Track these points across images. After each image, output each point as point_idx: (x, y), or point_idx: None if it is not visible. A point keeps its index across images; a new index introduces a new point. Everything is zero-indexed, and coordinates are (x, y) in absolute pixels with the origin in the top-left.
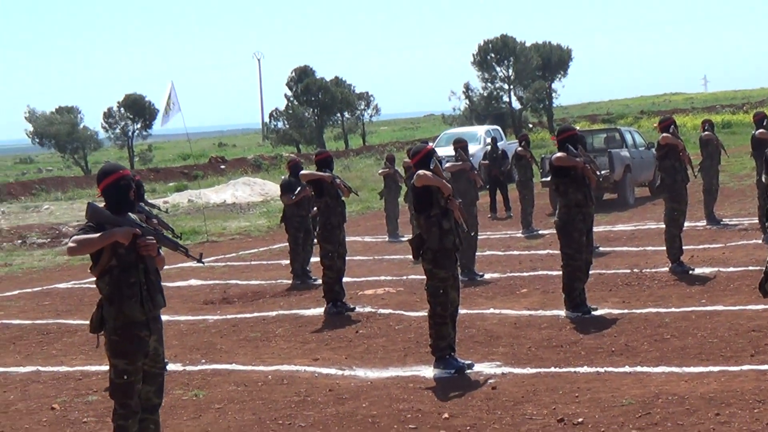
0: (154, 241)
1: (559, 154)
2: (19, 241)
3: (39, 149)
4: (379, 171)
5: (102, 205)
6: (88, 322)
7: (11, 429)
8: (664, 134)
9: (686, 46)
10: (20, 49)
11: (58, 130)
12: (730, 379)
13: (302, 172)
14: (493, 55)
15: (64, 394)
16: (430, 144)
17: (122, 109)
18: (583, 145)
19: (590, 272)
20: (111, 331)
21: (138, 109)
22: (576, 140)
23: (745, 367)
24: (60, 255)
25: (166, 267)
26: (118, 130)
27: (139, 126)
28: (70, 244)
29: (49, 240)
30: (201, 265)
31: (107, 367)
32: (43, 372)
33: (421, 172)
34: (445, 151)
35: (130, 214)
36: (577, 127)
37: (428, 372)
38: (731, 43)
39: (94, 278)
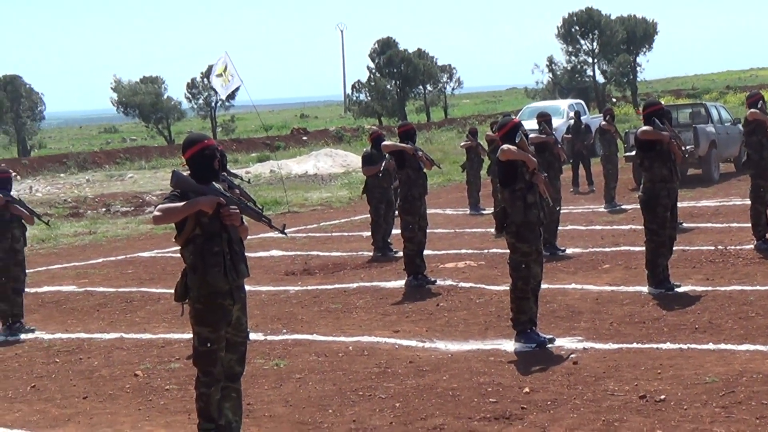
0: (238, 211)
1: (645, 128)
2: (104, 209)
3: (123, 119)
4: (461, 143)
5: (186, 173)
6: (170, 290)
7: (95, 395)
8: (752, 110)
9: None
10: (107, 18)
11: (142, 100)
12: None
13: (384, 143)
14: (577, 27)
15: (147, 361)
16: (516, 117)
17: (205, 79)
18: (668, 119)
19: (674, 248)
20: (195, 299)
21: None
22: (662, 114)
23: None
24: (143, 223)
25: (249, 237)
26: (201, 101)
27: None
28: (155, 213)
29: (132, 208)
30: (284, 235)
31: (190, 335)
32: (127, 339)
33: (505, 146)
34: (528, 124)
35: (214, 183)
36: (663, 102)
37: (509, 346)
38: None
39: (178, 247)
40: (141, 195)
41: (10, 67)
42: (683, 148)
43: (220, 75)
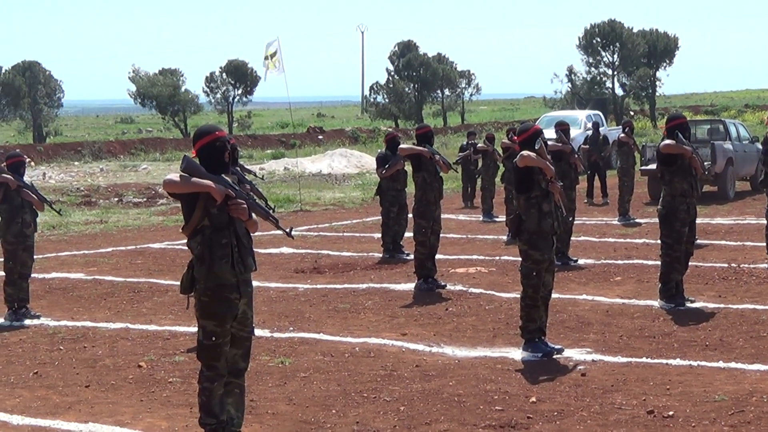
0: (245, 205)
1: (667, 141)
2: (116, 199)
3: (140, 110)
4: (479, 145)
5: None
6: (178, 282)
7: (97, 384)
8: None
9: None
10: (127, 7)
11: (160, 92)
12: None
13: (401, 146)
14: (599, 39)
15: (151, 352)
16: (538, 124)
17: (224, 74)
18: (688, 135)
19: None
20: (201, 291)
21: (239, 75)
22: (685, 129)
23: None
24: (155, 215)
25: (259, 233)
26: (218, 95)
27: (239, 92)
28: (170, 176)
29: (145, 199)
30: (290, 238)
31: (195, 329)
32: (132, 329)
33: (525, 152)
34: (546, 133)
35: (223, 176)
36: None
37: (517, 354)
38: None
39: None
40: (154, 186)
41: (29, 53)
42: (703, 164)
43: (266, 58)
